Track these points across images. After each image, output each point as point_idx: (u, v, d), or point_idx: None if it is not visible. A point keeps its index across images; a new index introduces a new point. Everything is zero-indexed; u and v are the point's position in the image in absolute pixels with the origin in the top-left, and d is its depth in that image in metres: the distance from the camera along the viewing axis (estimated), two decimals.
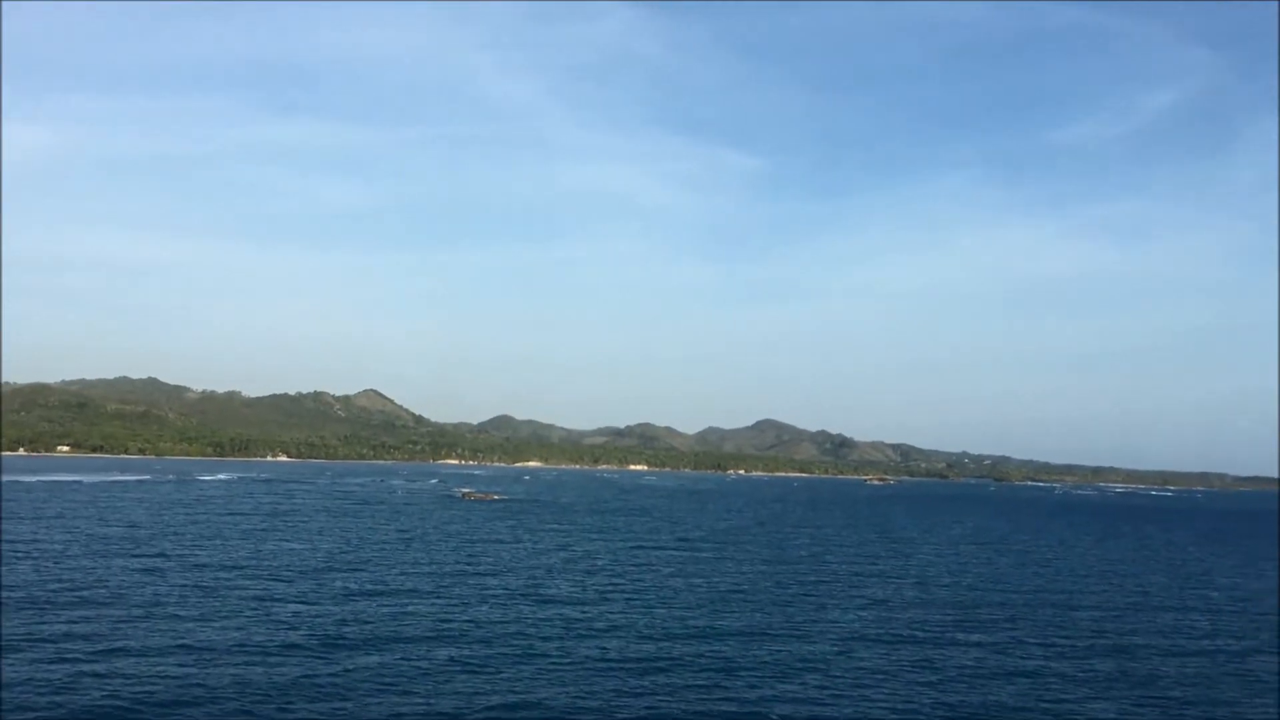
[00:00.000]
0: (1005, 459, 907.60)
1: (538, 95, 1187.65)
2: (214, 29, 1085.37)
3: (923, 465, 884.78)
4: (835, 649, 44.77)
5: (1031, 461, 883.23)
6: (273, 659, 38.39)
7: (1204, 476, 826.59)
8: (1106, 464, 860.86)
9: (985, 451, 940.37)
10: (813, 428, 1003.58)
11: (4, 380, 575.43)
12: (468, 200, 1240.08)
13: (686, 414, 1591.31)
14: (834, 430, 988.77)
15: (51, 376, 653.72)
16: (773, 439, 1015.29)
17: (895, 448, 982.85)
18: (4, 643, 38.93)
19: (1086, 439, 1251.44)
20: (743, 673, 39.26)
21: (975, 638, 48.87)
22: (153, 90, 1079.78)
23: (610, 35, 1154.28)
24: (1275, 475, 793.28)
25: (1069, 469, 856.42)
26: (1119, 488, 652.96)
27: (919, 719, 34.18)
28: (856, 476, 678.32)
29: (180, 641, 40.75)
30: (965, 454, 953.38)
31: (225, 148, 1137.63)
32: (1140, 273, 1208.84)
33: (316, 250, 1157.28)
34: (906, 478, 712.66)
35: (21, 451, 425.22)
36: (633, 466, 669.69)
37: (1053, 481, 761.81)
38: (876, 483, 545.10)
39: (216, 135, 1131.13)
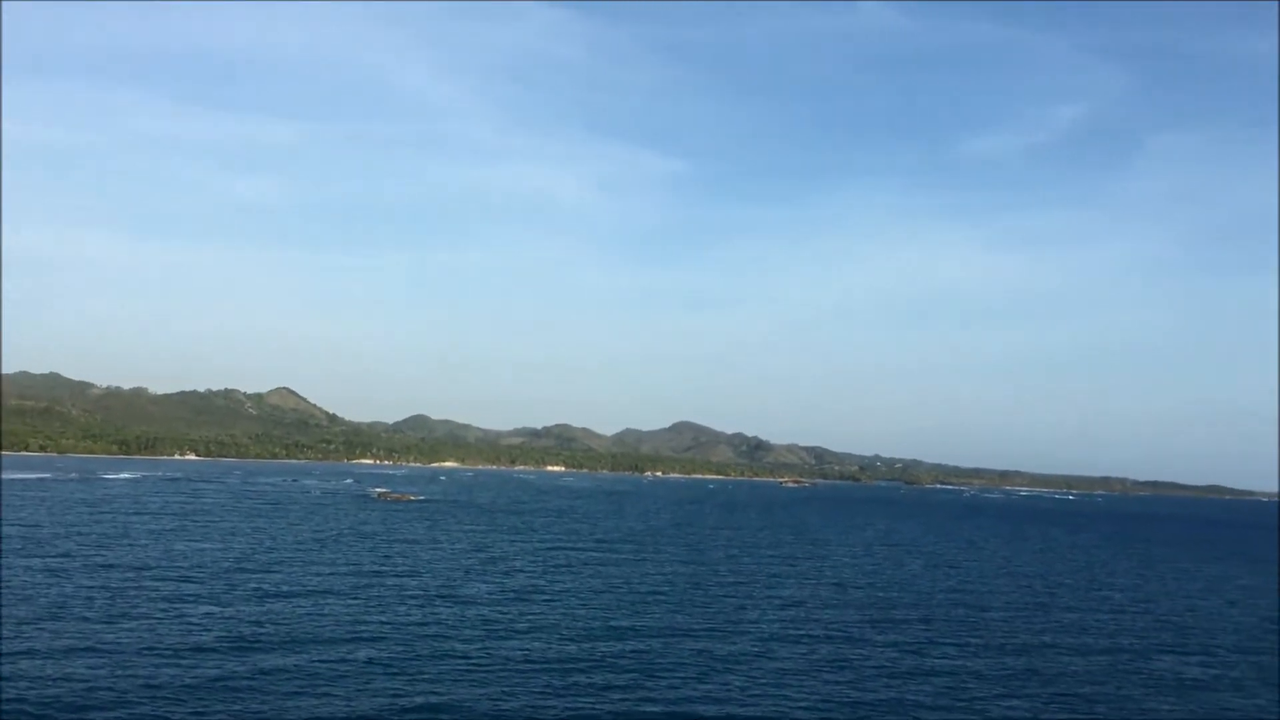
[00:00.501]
0: (916, 462, 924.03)
1: (458, 95, 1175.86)
2: (129, 19, 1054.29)
3: (836, 468, 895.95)
4: (754, 648, 45.22)
5: (941, 465, 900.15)
6: (185, 661, 37.52)
7: (1105, 480, 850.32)
8: (1013, 468, 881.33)
9: (897, 455, 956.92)
10: (729, 430, 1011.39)
11: None
12: (385, 198, 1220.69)
13: (604, 415, 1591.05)
14: (750, 433, 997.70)
15: None
16: (690, 441, 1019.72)
17: (810, 450, 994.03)
18: None
19: (994, 443, 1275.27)
20: (663, 673, 39.45)
21: (890, 637, 49.75)
22: (55, 78, 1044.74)
23: (532, 36, 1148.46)
24: (1172, 480, 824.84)
25: (977, 472, 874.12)
26: (1024, 491, 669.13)
27: (837, 718, 34.68)
28: (772, 479, 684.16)
29: (87, 643, 39.63)
30: (878, 457, 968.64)
31: (131, 140, 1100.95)
32: (1049, 283, 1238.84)
33: (226, 246, 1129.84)
34: (821, 480, 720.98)
35: None
36: (550, 467, 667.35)
37: (961, 484, 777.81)
38: (792, 485, 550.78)
39: (121, 126, 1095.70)
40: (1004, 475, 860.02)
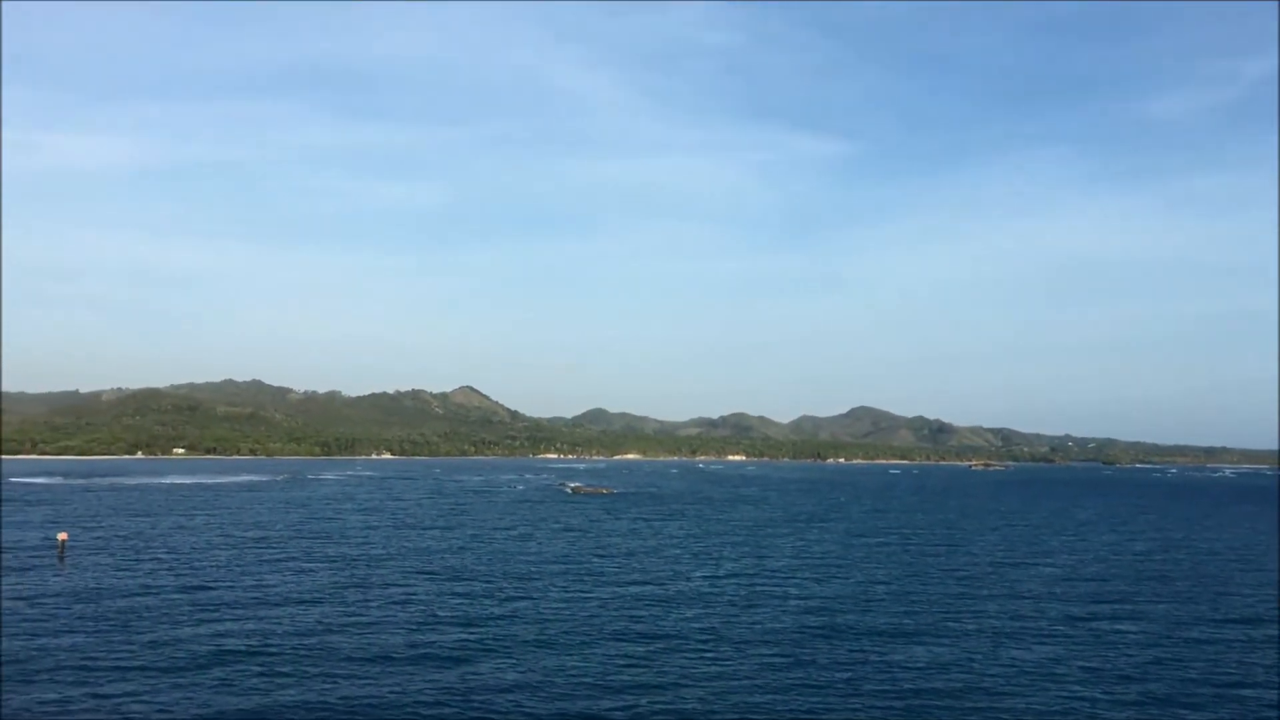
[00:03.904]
0: (1111, 441, 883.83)
1: (607, 89, 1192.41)
2: (274, 34, 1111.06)
3: (1025, 449, 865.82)
4: (1000, 629, 43.88)
5: (1139, 443, 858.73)
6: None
7: None
8: (1220, 444, 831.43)
9: (1089, 434, 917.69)
10: (908, 414, 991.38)
11: (114, 386, 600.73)
12: (542, 195, 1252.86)
13: (779, 403, 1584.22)
14: (930, 416, 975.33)
15: (160, 381, 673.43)
16: (868, 426, 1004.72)
17: (995, 432, 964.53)
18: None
19: (1195, 418, 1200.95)
20: (912, 650, 38.62)
21: (1138, 626, 47.55)
22: (215, 97, 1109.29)
23: (680, 25, 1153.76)
24: None
25: (1179, 450, 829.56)
26: (1230, 470, 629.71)
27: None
28: (959, 462, 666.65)
29: (343, 623, 41.54)
30: (1069, 437, 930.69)
31: (291, 153, 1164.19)
32: (1240, 246, 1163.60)
33: (397, 253, 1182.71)
34: (1011, 462, 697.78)
35: (139, 455, 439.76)
36: (731, 457, 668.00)
37: (1164, 463, 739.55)
38: (981, 468, 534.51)
39: (281, 141, 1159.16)
40: (1210, 453, 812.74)
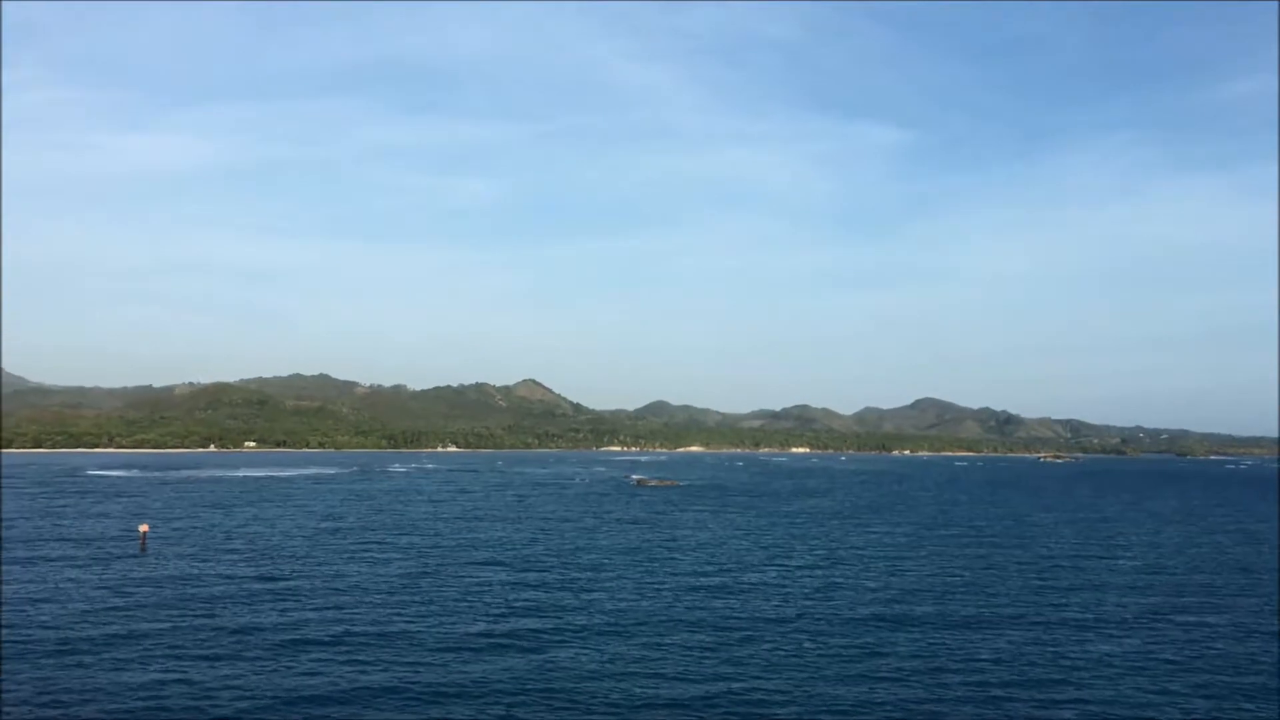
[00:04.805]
0: (1184, 432, 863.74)
1: (669, 83, 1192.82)
2: (345, 32, 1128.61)
3: (1095, 441, 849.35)
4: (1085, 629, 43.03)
5: (1213, 435, 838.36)
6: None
7: None
8: None
9: (1161, 425, 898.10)
10: (974, 405, 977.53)
11: (186, 381, 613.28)
12: (603, 190, 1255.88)
13: (843, 394, 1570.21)
14: (997, 407, 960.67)
15: (230, 375, 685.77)
16: (933, 418, 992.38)
17: (1064, 424, 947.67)
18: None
19: (1273, 409, 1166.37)
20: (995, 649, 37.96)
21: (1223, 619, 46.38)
22: (293, 95, 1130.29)
23: (741, 17, 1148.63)
24: None
25: (1256, 441, 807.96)
26: None
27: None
28: (1027, 454, 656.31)
29: (416, 611, 41.91)
30: (1140, 428, 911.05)
31: (358, 150, 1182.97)
32: None
33: (460, 248, 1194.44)
34: (1081, 454, 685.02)
35: (212, 448, 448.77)
36: (795, 449, 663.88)
37: (1239, 455, 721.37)
38: (1051, 460, 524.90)
39: (348, 138, 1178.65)
40: None
